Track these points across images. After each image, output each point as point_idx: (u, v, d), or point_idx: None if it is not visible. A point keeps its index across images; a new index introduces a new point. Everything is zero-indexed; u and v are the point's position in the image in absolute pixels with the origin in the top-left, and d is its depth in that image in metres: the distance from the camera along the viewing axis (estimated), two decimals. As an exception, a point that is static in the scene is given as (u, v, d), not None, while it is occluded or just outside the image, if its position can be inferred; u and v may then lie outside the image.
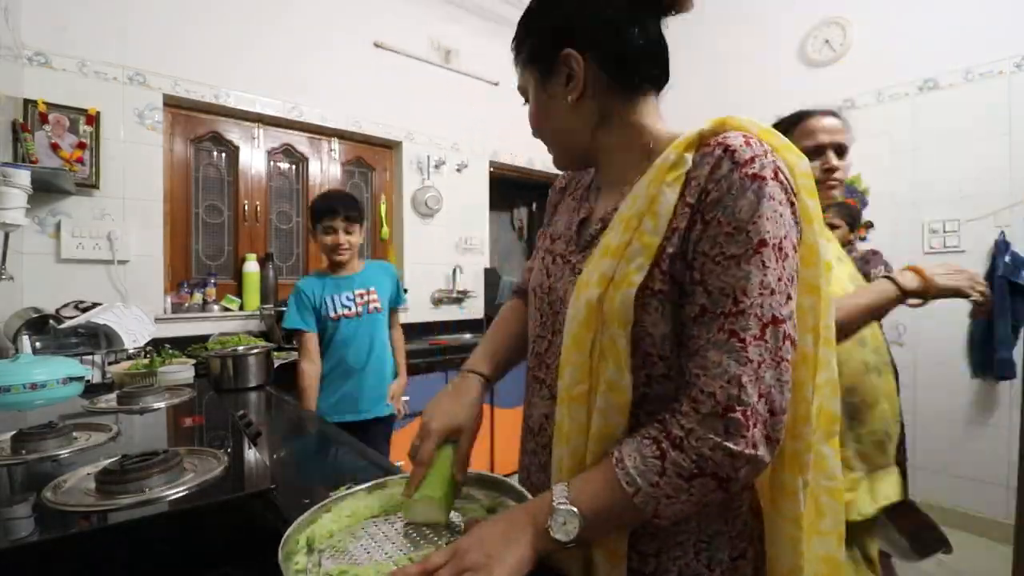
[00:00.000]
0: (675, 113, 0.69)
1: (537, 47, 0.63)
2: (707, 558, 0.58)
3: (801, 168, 0.55)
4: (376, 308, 1.88)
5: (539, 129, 0.68)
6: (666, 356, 0.55)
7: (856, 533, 1.04)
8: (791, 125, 1.15)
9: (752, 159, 0.50)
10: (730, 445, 0.47)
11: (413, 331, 2.98)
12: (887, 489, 1.08)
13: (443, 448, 0.65)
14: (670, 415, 0.51)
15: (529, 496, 0.61)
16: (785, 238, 0.50)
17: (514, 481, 0.67)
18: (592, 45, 0.59)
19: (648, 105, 0.63)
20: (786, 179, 0.52)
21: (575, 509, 0.49)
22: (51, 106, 1.96)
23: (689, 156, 0.54)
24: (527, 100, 0.68)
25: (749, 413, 0.47)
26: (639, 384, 0.55)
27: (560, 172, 0.79)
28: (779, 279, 0.49)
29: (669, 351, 0.54)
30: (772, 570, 0.58)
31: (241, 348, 1.78)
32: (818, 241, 0.55)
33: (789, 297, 0.50)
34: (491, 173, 3.54)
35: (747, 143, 0.51)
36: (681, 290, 0.53)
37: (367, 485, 0.67)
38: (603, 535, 0.54)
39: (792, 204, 0.52)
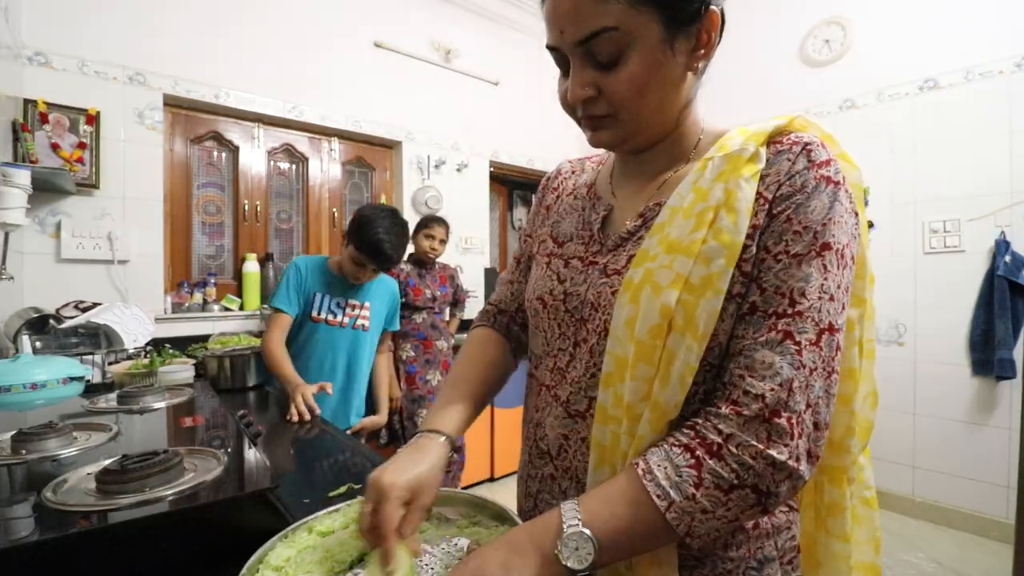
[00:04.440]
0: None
1: None
2: None
3: (853, 178, 0.53)
4: (363, 326, 1.74)
5: (638, 93, 0.51)
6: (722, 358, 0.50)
7: None
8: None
9: (828, 162, 0.49)
10: (773, 453, 0.43)
11: (413, 331, 2.98)
12: None
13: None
14: (704, 419, 0.46)
15: (514, 515, 0.57)
16: (847, 246, 0.48)
17: (499, 500, 0.61)
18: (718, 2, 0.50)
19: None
20: (850, 189, 0.50)
21: (588, 532, 0.43)
22: (51, 106, 1.96)
23: (764, 151, 0.50)
24: (611, 64, 0.50)
25: (795, 421, 0.43)
26: (696, 400, 0.50)
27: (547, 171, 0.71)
28: (838, 286, 0.47)
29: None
30: None
31: (240, 348, 1.78)
32: (865, 253, 0.53)
33: (844, 307, 0.48)
34: (491, 173, 3.54)
35: (822, 146, 0.50)
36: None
37: (323, 512, 0.60)
38: (621, 559, 0.47)
39: (856, 215, 0.50)
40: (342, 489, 0.83)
